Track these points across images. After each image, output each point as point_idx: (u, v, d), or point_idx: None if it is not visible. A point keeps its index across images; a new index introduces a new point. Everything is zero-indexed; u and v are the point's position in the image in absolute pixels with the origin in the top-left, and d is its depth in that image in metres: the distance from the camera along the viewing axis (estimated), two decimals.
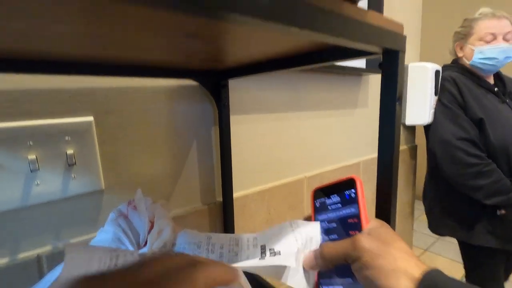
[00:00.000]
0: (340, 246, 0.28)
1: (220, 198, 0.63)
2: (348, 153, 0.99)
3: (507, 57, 1.00)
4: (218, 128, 0.59)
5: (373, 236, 0.27)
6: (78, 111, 0.44)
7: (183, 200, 0.58)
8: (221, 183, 0.61)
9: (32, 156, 0.40)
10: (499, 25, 0.99)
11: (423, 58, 1.40)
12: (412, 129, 1.34)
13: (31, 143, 0.40)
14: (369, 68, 0.95)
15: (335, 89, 0.89)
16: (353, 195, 0.30)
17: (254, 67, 0.48)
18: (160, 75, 0.49)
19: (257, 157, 0.70)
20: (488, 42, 1.00)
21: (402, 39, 0.30)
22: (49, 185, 0.42)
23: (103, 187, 0.47)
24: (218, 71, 0.54)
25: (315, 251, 0.30)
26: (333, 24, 0.23)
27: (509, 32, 0.99)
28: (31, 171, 0.40)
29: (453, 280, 0.24)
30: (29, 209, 0.41)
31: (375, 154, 1.10)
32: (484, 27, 1.01)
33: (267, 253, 0.29)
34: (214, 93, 0.57)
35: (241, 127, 0.66)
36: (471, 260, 1.12)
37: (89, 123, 0.45)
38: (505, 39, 1.00)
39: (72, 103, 0.44)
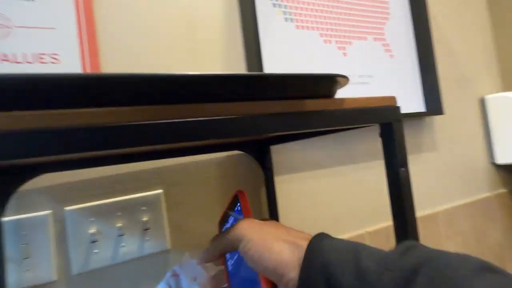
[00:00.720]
0: (225, 234, 0.29)
1: None
2: (419, 202, 0.89)
3: None
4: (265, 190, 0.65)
5: (253, 220, 0.29)
6: (152, 185, 0.57)
7: None
8: None
9: (119, 224, 0.53)
10: None
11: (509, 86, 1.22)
12: (510, 168, 1.12)
13: (119, 213, 0.54)
14: (430, 111, 0.90)
15: None
16: (239, 208, 0.36)
17: (291, 136, 0.54)
18: (211, 151, 0.60)
19: (309, 214, 0.72)
20: None
21: (393, 110, 0.32)
22: (131, 246, 0.54)
23: (170, 247, 0.57)
24: (260, 140, 0.62)
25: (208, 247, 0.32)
26: (314, 119, 0.28)
27: None
28: (118, 235, 0.53)
29: (338, 240, 0.24)
30: (116, 266, 0.53)
31: (460, 201, 0.96)
32: None
33: None
34: (258, 159, 0.65)
35: (290, 186, 0.70)
36: None
37: (159, 194, 0.58)
38: None
39: (147, 180, 0.57)
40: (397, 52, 0.88)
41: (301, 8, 0.73)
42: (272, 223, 0.30)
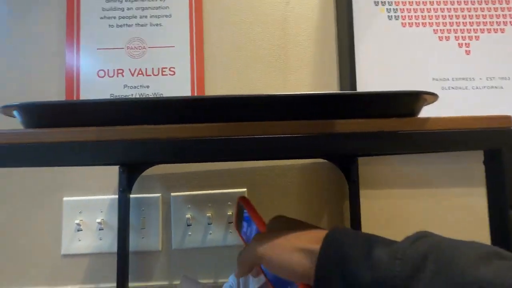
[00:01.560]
0: (246, 253, 0.30)
1: None
2: None
3: None
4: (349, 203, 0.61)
5: (264, 236, 0.29)
6: (236, 184, 0.63)
7: None
8: None
9: (209, 214, 0.61)
10: None
11: None
12: None
13: (209, 205, 0.62)
14: None
15: None
16: (246, 215, 0.38)
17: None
18: (295, 157, 0.61)
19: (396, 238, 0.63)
20: None
21: (505, 133, 0.25)
22: (216, 235, 0.62)
23: None
24: None
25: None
26: (382, 141, 0.25)
27: None
28: (208, 224, 0.61)
29: (351, 232, 0.25)
30: (204, 249, 0.62)
31: None
32: None
33: None
34: (343, 169, 0.61)
35: (377, 203, 0.64)
36: None
37: (243, 192, 0.63)
38: None
39: (234, 178, 0.63)
40: None
41: (409, 3, 0.64)
42: (281, 230, 0.30)
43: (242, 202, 0.40)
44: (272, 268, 0.28)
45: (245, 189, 0.63)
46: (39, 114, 0.25)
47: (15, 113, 0.25)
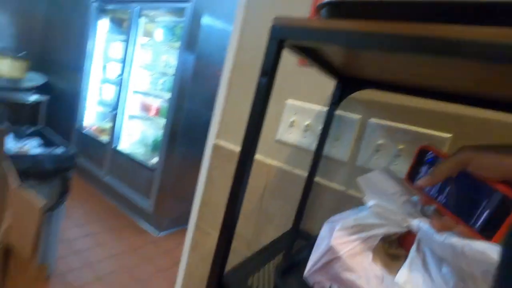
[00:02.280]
0: (450, 160, 0.35)
1: None
2: None
3: None
4: None
5: (469, 145, 0.34)
6: (439, 127, 0.61)
7: None
8: None
9: (401, 147, 0.64)
10: None
11: None
12: None
13: (403, 139, 0.64)
14: None
15: None
16: (431, 156, 0.41)
17: None
18: None
19: None
20: None
21: None
22: (401, 167, 0.65)
23: None
24: None
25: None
26: None
27: None
28: (395, 155, 0.65)
29: None
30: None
31: None
32: None
33: None
34: None
35: None
36: None
37: (447, 138, 0.60)
38: None
39: (435, 121, 0.61)
40: None
41: None
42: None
43: (427, 148, 0.42)
44: (484, 165, 0.31)
45: (450, 135, 0.60)
46: (340, 9, 0.35)
47: (322, 11, 0.37)
